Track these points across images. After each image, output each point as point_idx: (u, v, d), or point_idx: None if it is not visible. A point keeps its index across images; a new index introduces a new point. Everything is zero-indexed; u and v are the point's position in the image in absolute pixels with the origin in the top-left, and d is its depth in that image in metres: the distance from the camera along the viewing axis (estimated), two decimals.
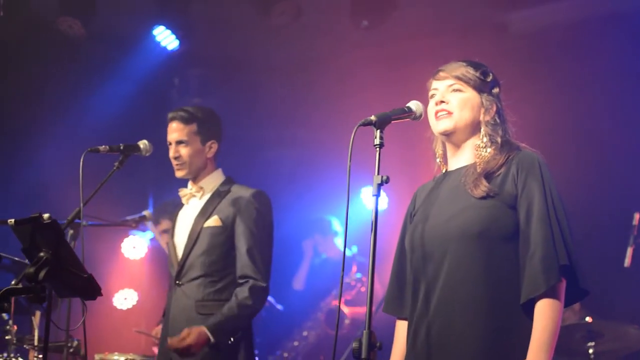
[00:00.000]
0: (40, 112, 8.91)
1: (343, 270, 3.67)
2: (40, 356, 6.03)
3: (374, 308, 8.02)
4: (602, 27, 8.21)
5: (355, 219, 9.76)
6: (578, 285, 3.57)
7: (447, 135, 3.81)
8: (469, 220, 3.60)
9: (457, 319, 3.56)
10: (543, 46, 8.47)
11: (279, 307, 9.60)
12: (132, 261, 9.66)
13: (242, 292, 5.33)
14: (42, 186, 8.76)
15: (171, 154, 5.65)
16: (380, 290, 8.83)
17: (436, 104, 3.81)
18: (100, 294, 3.77)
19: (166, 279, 8.31)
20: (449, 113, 3.77)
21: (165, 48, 8.99)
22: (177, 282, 5.47)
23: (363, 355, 3.28)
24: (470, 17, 8.77)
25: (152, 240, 9.50)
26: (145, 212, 6.75)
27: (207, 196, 5.64)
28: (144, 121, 9.15)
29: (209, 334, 5.16)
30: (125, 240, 9.50)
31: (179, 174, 5.67)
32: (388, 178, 3.52)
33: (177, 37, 8.75)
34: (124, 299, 9.69)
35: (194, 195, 5.68)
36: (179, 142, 5.63)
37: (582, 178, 7.42)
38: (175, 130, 5.67)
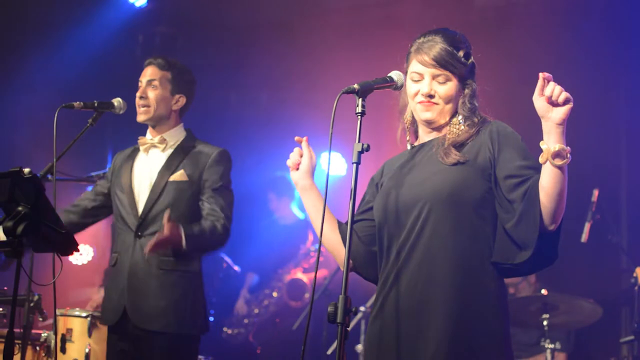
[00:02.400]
0: (3, 67, 8.83)
1: (317, 261, 3.70)
2: (1, 309, 6.03)
3: (326, 272, 8.09)
4: (566, 3, 8.32)
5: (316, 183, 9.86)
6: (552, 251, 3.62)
7: (430, 123, 3.85)
8: (439, 183, 3.66)
9: (425, 279, 3.62)
10: (508, 19, 8.55)
11: (237, 268, 9.63)
12: None
13: (212, 222, 5.35)
14: (4, 143, 8.71)
15: (138, 93, 5.61)
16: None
17: (423, 95, 3.79)
18: (77, 250, 3.78)
19: None
20: (435, 104, 3.79)
21: (133, 5, 8.91)
22: (139, 233, 5.41)
23: (338, 320, 3.32)
24: None
25: None
26: (109, 169, 6.74)
27: (170, 150, 5.61)
28: (107, 77, 9.12)
29: (183, 236, 5.16)
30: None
31: (141, 117, 5.61)
32: (369, 146, 3.52)
33: None
34: (80, 254, 9.63)
35: (155, 146, 5.63)
36: (149, 82, 5.61)
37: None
38: (149, 73, 5.65)
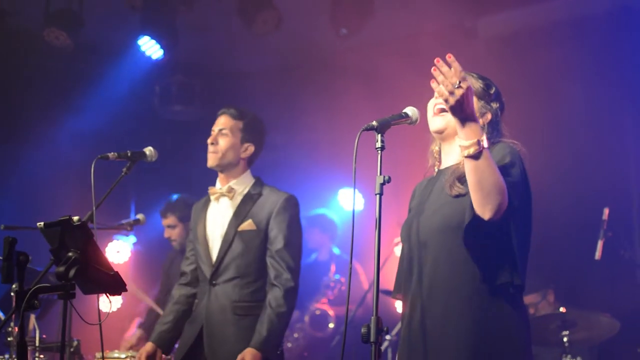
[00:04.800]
0: (28, 121, 9.10)
1: (350, 279, 3.94)
2: (42, 356, 6.23)
3: (353, 306, 8.29)
4: (570, 30, 8.49)
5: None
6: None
7: (440, 133, 4.11)
8: (447, 214, 3.92)
9: (442, 305, 3.87)
10: (512, 49, 8.75)
11: None
12: (115, 265, 9.77)
13: (276, 299, 5.54)
14: (32, 192, 8.96)
15: (210, 140, 5.80)
16: (367, 284, 9.12)
17: (436, 98, 4.08)
18: (125, 290, 4.02)
19: (152, 284, 8.54)
20: (445, 111, 3.98)
21: (149, 57, 9.17)
22: (213, 282, 5.64)
23: (372, 339, 3.58)
24: (441, 22, 9.05)
25: (135, 244, 9.67)
26: (139, 216, 6.98)
27: (239, 198, 5.80)
28: (128, 128, 9.39)
29: (259, 353, 5.36)
30: (110, 244, 9.58)
31: (211, 162, 5.80)
32: (390, 178, 3.78)
33: (162, 47, 8.90)
34: (109, 302, 9.78)
35: (224, 195, 5.83)
36: (220, 130, 5.81)
37: (556, 176, 7.65)
38: (221, 122, 5.86)
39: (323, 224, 9.98)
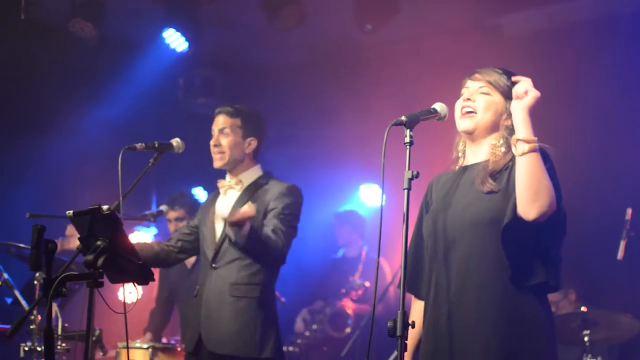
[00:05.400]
0: (53, 111, 9.14)
1: (377, 276, 3.95)
2: (64, 344, 6.28)
3: (379, 307, 8.27)
4: (594, 29, 8.48)
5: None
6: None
7: (469, 133, 4.13)
8: (480, 210, 3.94)
9: (472, 302, 3.89)
10: (536, 48, 8.74)
11: (283, 300, 9.83)
12: None
13: (276, 238, 5.56)
14: (56, 182, 9.01)
15: (212, 141, 5.87)
16: (389, 277, 9.11)
17: (464, 100, 4.13)
18: (153, 279, 4.05)
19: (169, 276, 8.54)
20: (473, 112, 4.08)
21: (174, 50, 9.22)
22: (213, 265, 5.69)
23: (398, 333, 3.59)
24: (464, 19, 9.06)
25: (156, 236, 9.70)
26: (163, 207, 7.04)
27: (245, 187, 5.88)
28: (151, 120, 9.43)
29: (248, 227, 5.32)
30: (130, 235, 9.65)
31: (217, 163, 5.88)
32: (418, 173, 3.80)
33: (187, 40, 8.94)
34: (129, 292, 9.82)
35: (232, 187, 5.90)
36: (220, 130, 5.87)
37: (579, 175, 7.62)
38: (220, 122, 5.91)
39: (354, 220, 9.99)
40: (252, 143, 5.92)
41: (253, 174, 5.94)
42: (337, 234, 10.05)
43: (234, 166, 5.91)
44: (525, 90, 3.85)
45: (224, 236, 5.70)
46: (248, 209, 5.21)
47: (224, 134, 5.87)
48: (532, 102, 3.83)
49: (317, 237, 9.83)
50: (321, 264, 10.12)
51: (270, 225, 5.63)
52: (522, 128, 3.79)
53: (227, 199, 5.92)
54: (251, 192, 5.82)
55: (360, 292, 9.52)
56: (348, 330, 9.34)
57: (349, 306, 9.49)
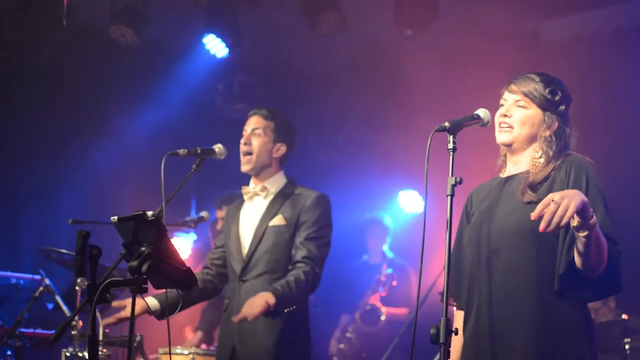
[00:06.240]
0: (94, 118, 9.23)
1: (420, 280, 3.95)
2: (105, 350, 6.32)
3: (410, 309, 8.27)
4: (631, 36, 8.47)
5: (392, 222, 10.08)
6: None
7: (508, 146, 4.15)
8: (521, 219, 3.94)
9: (512, 311, 3.90)
10: (573, 54, 8.72)
11: (318, 302, 9.85)
12: None
13: (296, 272, 5.52)
14: (97, 188, 9.09)
15: (242, 140, 5.84)
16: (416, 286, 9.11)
17: (501, 116, 4.13)
18: (197, 285, 4.06)
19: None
20: (510, 127, 4.09)
21: (214, 56, 9.25)
22: (242, 278, 5.65)
23: (441, 340, 3.59)
24: (504, 24, 9.05)
25: (195, 242, 9.74)
26: (203, 213, 7.04)
27: (271, 196, 5.82)
28: (192, 126, 9.49)
29: (271, 295, 5.29)
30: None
31: (245, 167, 5.83)
32: (462, 179, 3.81)
33: (227, 45, 8.97)
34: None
35: (257, 194, 5.86)
36: (253, 130, 5.84)
37: (617, 182, 7.57)
38: (253, 122, 5.89)
39: (375, 227, 9.99)
40: (281, 149, 5.88)
41: (278, 180, 5.90)
42: (359, 240, 10.05)
43: (260, 171, 5.86)
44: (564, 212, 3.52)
45: (253, 249, 5.68)
46: (263, 304, 5.23)
47: (255, 134, 5.84)
48: (578, 207, 3.54)
49: (352, 243, 9.84)
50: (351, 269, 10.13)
51: (303, 250, 5.59)
52: (577, 217, 3.61)
53: (253, 207, 5.89)
54: (280, 202, 5.78)
55: (387, 286, 9.51)
56: (383, 318, 9.34)
57: (378, 302, 9.49)
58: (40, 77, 8.94)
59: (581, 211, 3.52)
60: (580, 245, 3.66)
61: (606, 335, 6.94)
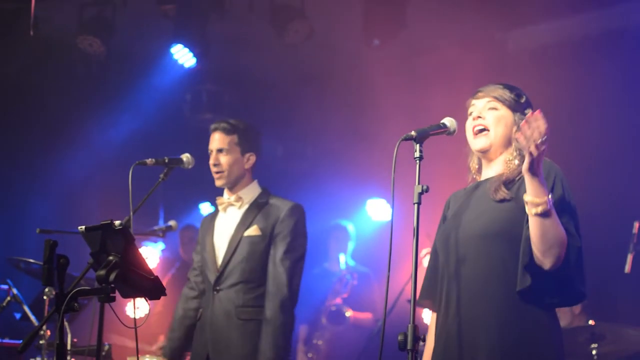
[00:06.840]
0: (61, 128, 9.19)
1: (387, 289, 3.97)
2: (73, 359, 6.30)
3: (370, 316, 8.28)
4: (600, 44, 8.50)
5: (360, 230, 10.08)
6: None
7: (484, 152, 4.18)
8: (488, 221, 3.99)
9: (479, 314, 3.92)
10: (542, 62, 8.76)
11: None
12: None
13: (273, 312, 5.57)
14: (66, 197, 9.05)
15: (211, 161, 5.88)
16: (377, 293, 9.15)
17: (473, 119, 4.17)
18: (165, 294, 4.07)
19: (176, 290, 8.58)
20: (486, 129, 4.13)
21: (182, 66, 9.25)
22: (216, 287, 5.70)
23: (408, 346, 3.62)
24: (471, 34, 9.10)
25: (163, 251, 9.72)
26: (172, 222, 7.03)
27: (246, 206, 5.86)
28: (161, 136, 9.47)
29: None
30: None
31: (219, 182, 5.89)
32: (428, 188, 3.84)
33: (195, 55, 8.97)
34: (137, 308, 9.82)
35: (232, 204, 5.90)
36: (219, 151, 5.88)
37: (585, 189, 7.63)
38: (216, 140, 5.92)
39: (337, 232, 9.95)
40: (250, 158, 5.94)
41: (252, 190, 5.95)
42: (321, 247, 10.03)
43: (235, 183, 5.92)
44: (537, 144, 3.59)
45: (228, 259, 5.71)
46: None
47: (222, 154, 5.88)
48: (535, 159, 3.61)
49: (318, 251, 9.82)
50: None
51: (280, 268, 5.64)
52: (529, 189, 3.69)
53: (227, 218, 5.92)
54: (254, 212, 5.82)
55: (348, 287, 9.47)
56: (349, 314, 9.30)
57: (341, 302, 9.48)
58: (7, 87, 8.90)
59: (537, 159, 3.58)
60: (533, 223, 3.69)
61: (573, 341, 6.94)
